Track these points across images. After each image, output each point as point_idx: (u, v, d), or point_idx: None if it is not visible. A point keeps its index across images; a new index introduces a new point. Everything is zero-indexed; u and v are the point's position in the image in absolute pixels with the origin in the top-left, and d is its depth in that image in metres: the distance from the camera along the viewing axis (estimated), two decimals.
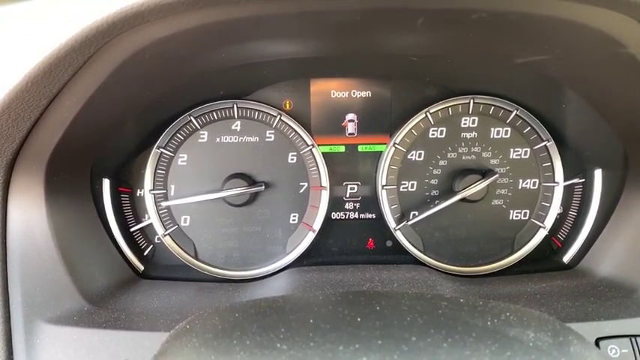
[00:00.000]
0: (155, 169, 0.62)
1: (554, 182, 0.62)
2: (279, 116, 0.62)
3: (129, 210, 0.64)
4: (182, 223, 0.63)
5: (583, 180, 0.64)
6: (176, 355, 0.35)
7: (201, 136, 0.63)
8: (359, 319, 0.35)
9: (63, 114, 0.51)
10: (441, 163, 0.63)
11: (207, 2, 0.36)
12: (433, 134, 0.63)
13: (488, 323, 0.37)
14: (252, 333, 0.34)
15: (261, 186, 0.62)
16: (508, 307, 0.39)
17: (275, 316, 0.37)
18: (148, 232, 0.64)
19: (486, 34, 0.47)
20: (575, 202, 0.65)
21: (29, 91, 0.44)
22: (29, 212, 0.53)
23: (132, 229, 0.63)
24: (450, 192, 0.63)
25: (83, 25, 0.39)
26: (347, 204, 0.66)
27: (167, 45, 0.43)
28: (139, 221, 0.64)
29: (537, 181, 0.63)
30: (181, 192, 0.63)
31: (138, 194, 0.64)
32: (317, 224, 0.64)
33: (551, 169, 0.63)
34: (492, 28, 0.44)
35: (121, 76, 0.46)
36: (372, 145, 0.64)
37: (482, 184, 0.60)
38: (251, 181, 0.62)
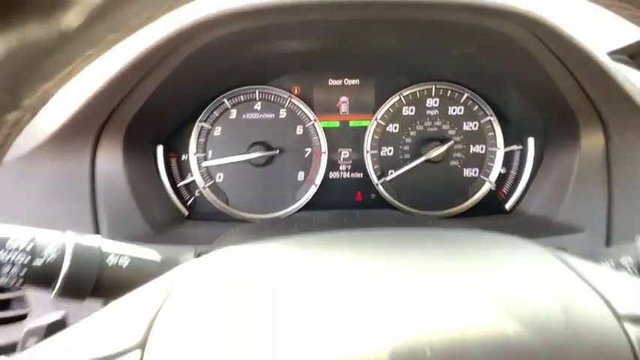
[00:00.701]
0: (197, 138, 0.78)
1: (496, 147, 0.78)
2: (289, 98, 0.78)
3: (176, 170, 0.81)
4: (217, 179, 0.80)
5: (521, 147, 0.80)
6: (226, 242, 0.52)
7: (232, 114, 0.79)
8: (345, 225, 0.52)
9: (141, 93, 0.68)
10: (412, 133, 0.79)
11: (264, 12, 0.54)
12: (405, 112, 0.79)
13: (429, 227, 0.54)
14: (275, 230, 0.51)
15: (276, 151, 0.78)
16: (448, 226, 0.56)
17: (290, 225, 0.55)
18: (190, 187, 0.80)
19: (428, 34, 0.64)
20: (515, 164, 0.80)
21: (125, 75, 0.61)
22: (111, 164, 0.70)
23: (178, 185, 0.81)
24: (418, 155, 0.78)
25: (172, 29, 0.56)
26: (341, 166, 0.81)
27: (220, 43, 0.61)
28: (183, 178, 0.80)
29: (484, 146, 0.79)
30: (217, 155, 0.79)
31: (183, 158, 0.80)
32: (318, 180, 0.80)
33: (494, 138, 0.78)
34: (429, 29, 0.62)
35: (183, 67, 0.64)
36: (359, 121, 0.80)
37: (442, 149, 0.76)
38: (268, 147, 0.78)
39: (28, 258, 0.45)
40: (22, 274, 0.45)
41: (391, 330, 0.29)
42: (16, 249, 0.45)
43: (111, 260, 0.48)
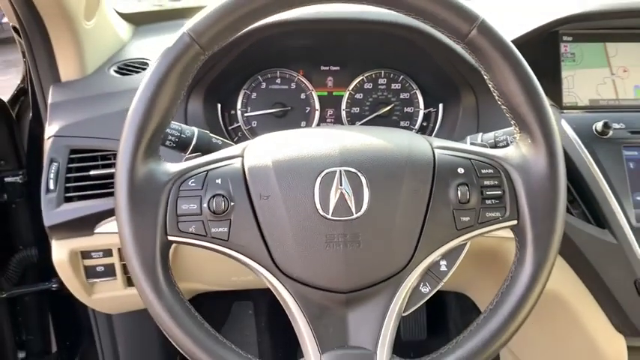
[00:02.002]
0: (242, 99, 1.11)
1: (419, 109, 1.12)
2: (297, 76, 1.10)
3: (227, 120, 1.12)
4: (253, 125, 1.12)
5: (436, 109, 1.14)
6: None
7: (262, 85, 1.11)
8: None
9: (215, 71, 0.96)
10: (370, 99, 1.11)
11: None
12: (366, 86, 1.11)
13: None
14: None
15: (289, 108, 1.12)
16: None
17: None
18: (236, 130, 1.13)
19: (374, 39, 1.04)
20: (432, 119, 1.13)
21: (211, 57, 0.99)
22: (195, 113, 1.00)
23: (229, 128, 1.12)
24: (373, 112, 1.12)
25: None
26: (327, 119, 1.13)
27: (263, 40, 0.93)
28: (232, 125, 1.12)
29: (413, 108, 1.11)
30: (253, 110, 1.11)
31: (232, 112, 1.12)
32: (314, 126, 1.14)
33: (418, 103, 1.12)
34: (374, 37, 1.03)
35: (241, 54, 0.94)
36: (339, 92, 1.12)
37: (387, 108, 1.10)
38: (284, 106, 1.11)
39: (178, 133, 0.77)
40: (175, 140, 0.77)
41: (341, 142, 0.65)
42: (174, 128, 0.77)
43: (213, 140, 0.82)
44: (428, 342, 1.77)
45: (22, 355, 1.36)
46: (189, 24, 0.62)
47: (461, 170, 0.67)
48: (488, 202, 0.66)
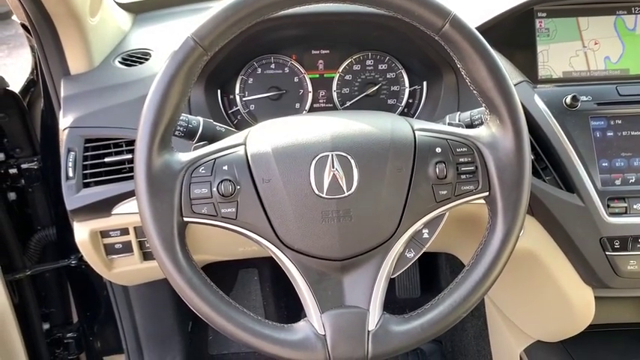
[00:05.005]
0: (240, 85, 1.14)
1: (405, 87, 1.15)
2: (290, 61, 1.13)
3: (227, 104, 1.15)
4: (250, 108, 1.15)
5: (420, 87, 1.17)
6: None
7: (258, 70, 1.13)
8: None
9: (216, 60, 1.00)
10: (359, 80, 1.14)
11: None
12: (355, 68, 1.14)
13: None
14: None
15: (284, 91, 1.14)
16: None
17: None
18: (235, 113, 1.16)
19: (362, 26, 1.09)
20: (417, 96, 1.16)
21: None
22: (198, 99, 1.05)
23: (228, 112, 1.15)
24: (362, 92, 1.15)
25: None
26: (320, 99, 1.16)
27: (262, 30, 0.98)
28: (231, 109, 1.15)
29: (399, 86, 1.14)
30: (250, 94, 1.14)
31: (230, 97, 1.15)
32: (307, 108, 1.15)
33: (404, 82, 1.15)
34: (362, 24, 1.08)
35: (241, 43, 0.98)
36: (330, 74, 1.15)
37: (374, 88, 1.14)
38: (279, 89, 1.14)
39: (186, 124, 0.81)
40: (183, 130, 0.81)
41: (332, 129, 0.71)
42: (181, 119, 0.81)
43: (217, 127, 0.87)
44: (421, 299, 1.89)
45: (46, 326, 1.45)
46: (192, 29, 0.67)
47: (438, 149, 0.73)
48: (463, 176, 0.73)
